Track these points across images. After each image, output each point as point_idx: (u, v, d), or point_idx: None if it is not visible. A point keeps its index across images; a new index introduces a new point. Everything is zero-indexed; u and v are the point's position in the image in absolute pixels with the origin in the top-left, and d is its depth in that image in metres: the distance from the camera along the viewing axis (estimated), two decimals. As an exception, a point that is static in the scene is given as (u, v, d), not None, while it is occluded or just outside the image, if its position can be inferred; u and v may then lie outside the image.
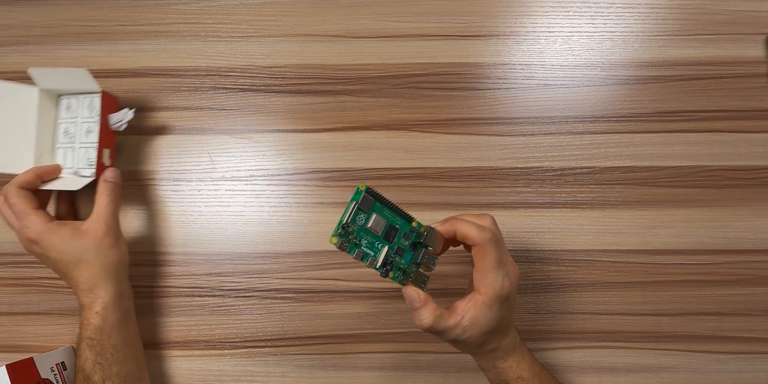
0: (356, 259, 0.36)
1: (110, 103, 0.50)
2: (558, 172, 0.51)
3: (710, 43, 0.53)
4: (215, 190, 0.52)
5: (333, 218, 0.51)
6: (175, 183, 0.52)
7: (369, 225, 0.36)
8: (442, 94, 0.53)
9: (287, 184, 0.52)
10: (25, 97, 0.48)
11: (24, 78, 0.54)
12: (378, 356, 0.49)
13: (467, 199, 0.51)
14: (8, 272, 0.52)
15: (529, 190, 0.51)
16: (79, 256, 0.43)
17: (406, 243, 0.38)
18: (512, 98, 0.53)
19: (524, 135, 0.52)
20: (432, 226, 0.38)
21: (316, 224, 0.51)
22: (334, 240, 0.35)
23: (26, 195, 0.44)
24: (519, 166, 0.51)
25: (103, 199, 0.45)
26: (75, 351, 0.47)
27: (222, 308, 0.51)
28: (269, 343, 0.50)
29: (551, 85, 0.53)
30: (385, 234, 0.37)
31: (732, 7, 0.53)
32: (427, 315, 0.36)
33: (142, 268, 0.51)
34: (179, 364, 0.50)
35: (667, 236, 0.50)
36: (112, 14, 0.55)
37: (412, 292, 0.37)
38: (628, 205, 0.51)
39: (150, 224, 0.52)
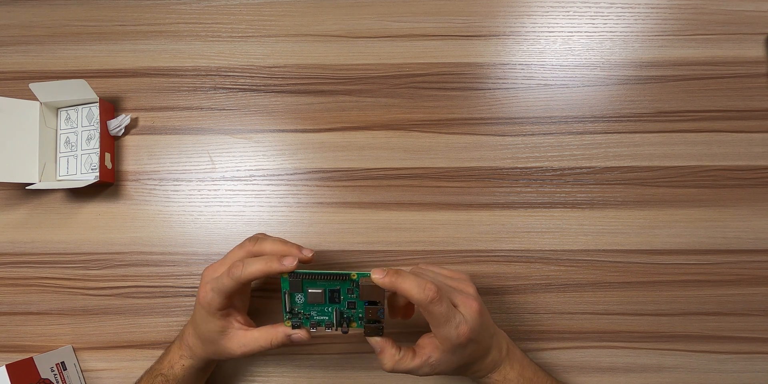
0: (314, 330, 0.40)
1: (107, 110, 0.52)
2: (558, 172, 0.51)
3: (710, 43, 0.53)
4: (215, 190, 0.52)
5: (333, 218, 0.51)
6: (175, 183, 0.52)
7: (309, 300, 0.38)
8: (442, 94, 0.53)
9: (287, 184, 0.52)
10: (28, 111, 0.51)
11: (24, 78, 0.54)
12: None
13: (467, 199, 0.51)
14: (8, 272, 0.52)
15: (529, 190, 0.51)
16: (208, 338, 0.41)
17: (354, 296, 0.39)
18: (512, 98, 0.53)
19: (524, 135, 0.52)
20: (371, 275, 0.36)
21: (316, 224, 0.51)
22: (288, 323, 0.39)
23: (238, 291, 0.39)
24: (519, 166, 0.51)
25: (260, 341, 0.40)
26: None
27: (222, 308, 0.51)
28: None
29: (551, 85, 0.53)
30: (329, 298, 0.39)
31: (732, 7, 0.53)
32: (386, 360, 0.38)
33: (143, 268, 0.51)
34: (179, 364, 0.50)
35: (667, 236, 0.50)
36: (112, 14, 0.55)
37: (372, 340, 0.39)
38: (628, 205, 0.51)
39: (150, 224, 0.52)
